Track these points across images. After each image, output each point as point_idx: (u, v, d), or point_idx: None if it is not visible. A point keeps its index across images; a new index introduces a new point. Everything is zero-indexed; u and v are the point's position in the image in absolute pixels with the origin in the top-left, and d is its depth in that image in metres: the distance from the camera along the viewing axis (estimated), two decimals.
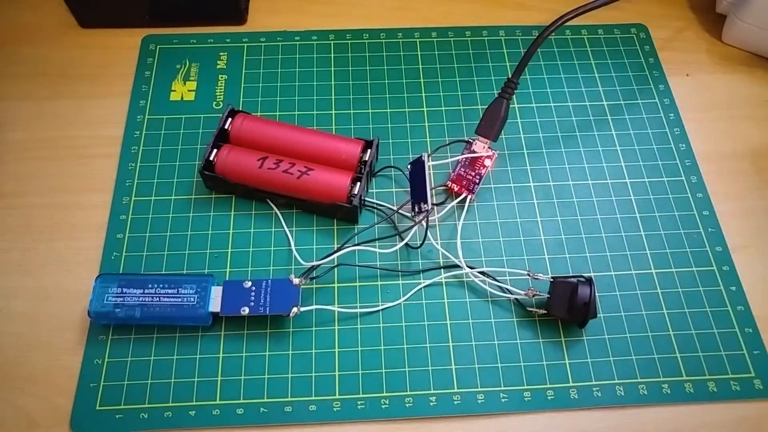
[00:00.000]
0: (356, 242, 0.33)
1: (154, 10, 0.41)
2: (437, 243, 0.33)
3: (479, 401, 0.30)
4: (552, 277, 0.31)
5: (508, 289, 0.32)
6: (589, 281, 0.31)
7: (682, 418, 0.30)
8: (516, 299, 0.32)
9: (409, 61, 0.40)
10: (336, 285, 0.33)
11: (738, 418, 0.30)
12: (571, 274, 0.33)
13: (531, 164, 0.37)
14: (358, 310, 0.32)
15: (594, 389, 0.30)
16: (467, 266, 0.32)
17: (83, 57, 0.40)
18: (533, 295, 0.31)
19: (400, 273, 0.33)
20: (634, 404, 0.30)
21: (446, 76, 0.40)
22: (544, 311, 0.31)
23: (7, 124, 0.37)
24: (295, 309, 0.30)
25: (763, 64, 0.41)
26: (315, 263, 0.31)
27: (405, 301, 0.32)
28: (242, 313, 0.30)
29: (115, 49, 0.41)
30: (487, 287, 0.32)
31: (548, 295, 0.31)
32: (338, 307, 0.31)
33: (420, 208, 0.32)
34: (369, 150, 0.34)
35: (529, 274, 0.32)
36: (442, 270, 0.33)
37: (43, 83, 0.39)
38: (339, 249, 0.32)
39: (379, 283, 0.33)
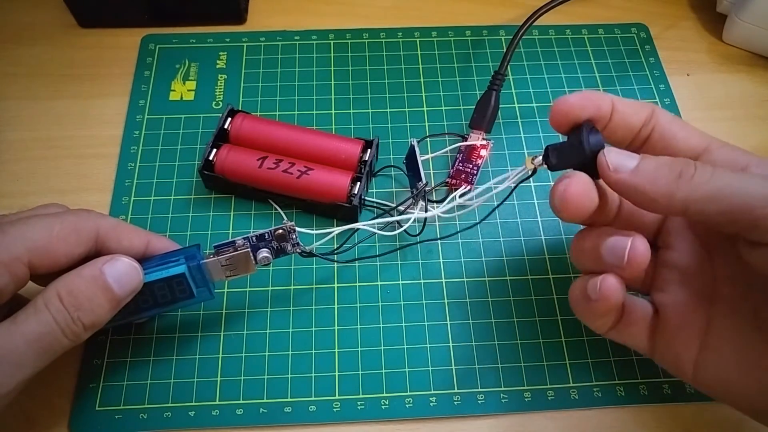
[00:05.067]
0: (356, 241, 0.33)
1: (153, 9, 0.41)
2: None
3: (479, 401, 0.30)
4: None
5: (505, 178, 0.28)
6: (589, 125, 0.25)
7: (683, 417, 0.30)
8: (519, 175, 0.28)
9: (409, 61, 0.40)
10: (336, 285, 0.32)
11: (738, 419, 0.30)
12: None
13: None
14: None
15: (594, 389, 0.30)
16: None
17: (83, 57, 0.40)
18: (537, 163, 0.27)
19: (398, 247, 0.33)
20: (634, 404, 0.30)
21: (446, 75, 0.40)
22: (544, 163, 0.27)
23: (7, 124, 0.37)
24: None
25: (763, 63, 0.41)
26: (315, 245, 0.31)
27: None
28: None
29: (115, 49, 0.41)
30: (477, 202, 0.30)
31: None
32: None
33: (417, 189, 0.32)
34: (369, 150, 0.34)
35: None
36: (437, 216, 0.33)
37: (43, 83, 0.39)
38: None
39: (379, 283, 0.33)
